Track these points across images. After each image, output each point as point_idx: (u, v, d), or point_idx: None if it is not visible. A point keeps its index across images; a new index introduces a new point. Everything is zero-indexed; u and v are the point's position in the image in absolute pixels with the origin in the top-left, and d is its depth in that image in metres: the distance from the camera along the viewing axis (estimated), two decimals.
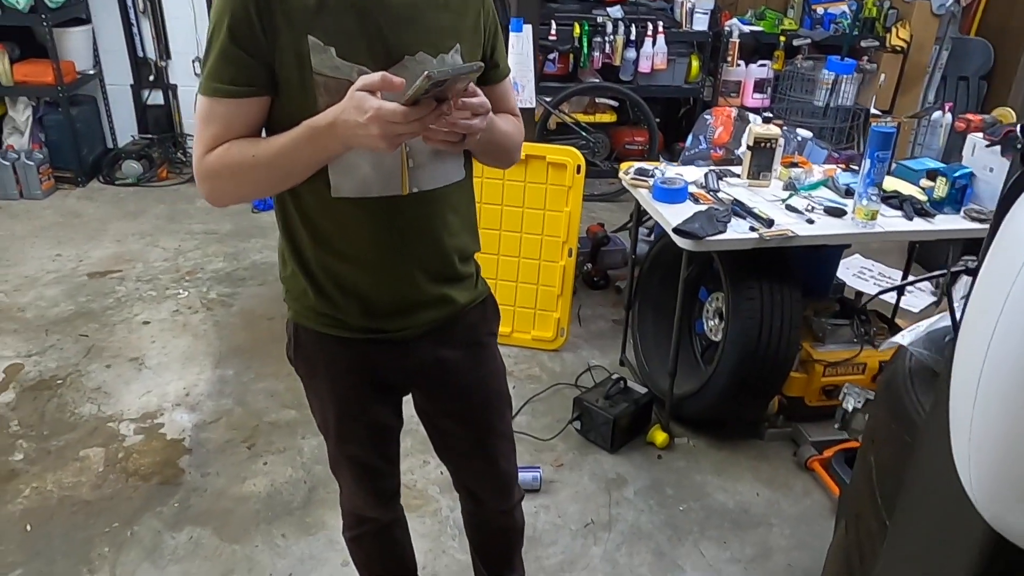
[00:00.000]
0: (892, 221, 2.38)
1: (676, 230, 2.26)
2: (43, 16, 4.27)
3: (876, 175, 2.32)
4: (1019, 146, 2.30)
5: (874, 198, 2.31)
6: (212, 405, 2.74)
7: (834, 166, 2.80)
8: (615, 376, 2.68)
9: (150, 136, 5.01)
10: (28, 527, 2.18)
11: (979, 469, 0.44)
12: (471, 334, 1.40)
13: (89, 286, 3.53)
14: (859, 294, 2.94)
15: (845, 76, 4.35)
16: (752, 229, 2.29)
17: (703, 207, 2.42)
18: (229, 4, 1.10)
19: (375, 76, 1.03)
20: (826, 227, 2.34)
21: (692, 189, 2.53)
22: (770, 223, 2.30)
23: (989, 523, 0.47)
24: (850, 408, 2.35)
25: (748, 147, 2.61)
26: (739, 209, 2.39)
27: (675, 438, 2.62)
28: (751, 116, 3.30)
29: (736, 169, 2.75)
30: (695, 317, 2.89)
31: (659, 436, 2.58)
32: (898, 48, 4.90)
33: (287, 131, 1.11)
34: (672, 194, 2.48)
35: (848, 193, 2.54)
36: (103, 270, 3.68)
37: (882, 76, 4.96)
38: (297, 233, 1.26)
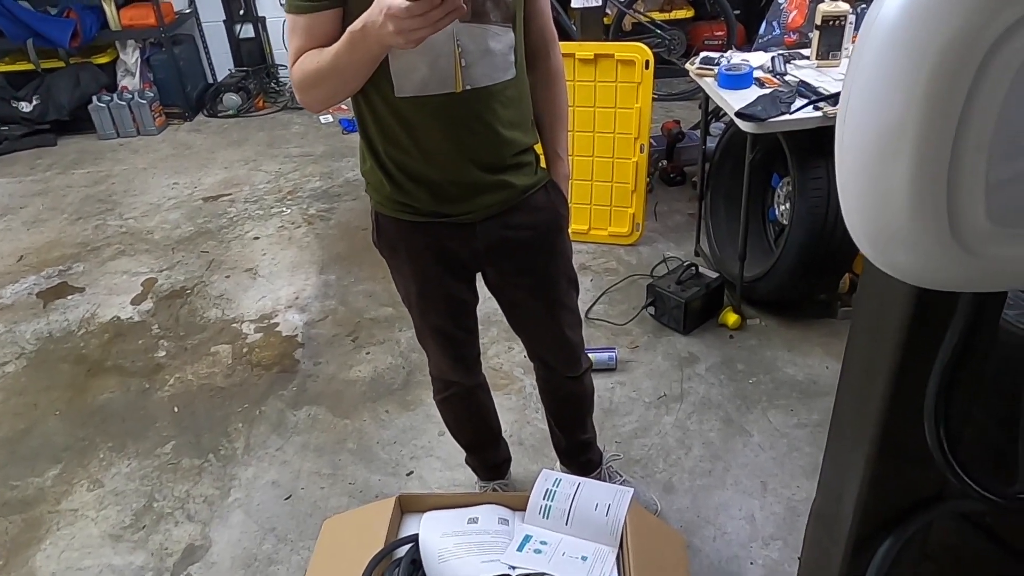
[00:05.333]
0: None
1: (739, 114, 2.32)
2: None
3: None
4: None
5: None
6: (319, 306, 3.05)
7: None
8: (686, 263, 2.80)
9: (245, 69, 5.31)
10: (176, 408, 2.57)
11: (853, 218, 0.57)
12: (536, 216, 1.54)
13: (205, 209, 3.90)
14: None
15: None
16: (816, 108, 2.31)
17: (768, 91, 2.45)
18: None
19: None
20: None
21: (758, 74, 2.56)
22: (835, 101, 2.31)
23: (884, 269, 0.60)
24: None
25: (816, 27, 2.59)
26: (804, 90, 2.41)
27: (747, 319, 2.74)
28: None
29: (806, 52, 2.74)
30: (768, 205, 2.94)
31: (731, 317, 2.70)
32: None
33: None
34: (737, 80, 2.51)
35: None
36: (215, 194, 4.05)
37: None
38: (370, 131, 1.44)
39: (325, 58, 1.27)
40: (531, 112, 1.52)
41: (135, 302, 3.17)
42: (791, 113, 2.30)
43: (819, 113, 2.29)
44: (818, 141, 2.38)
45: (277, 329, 2.93)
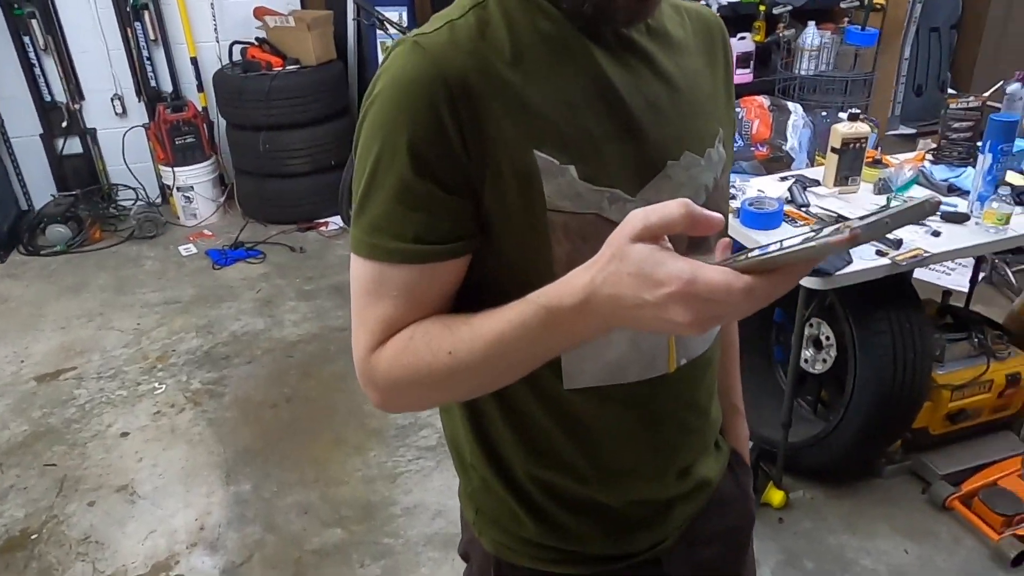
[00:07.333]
0: None
1: None
2: None
3: (999, 171, 2.02)
4: None
5: (1006, 199, 1.99)
6: (236, 538, 2.23)
7: (913, 154, 2.50)
8: None
9: (72, 192, 4.32)
10: None
11: None
12: (727, 515, 0.99)
13: (41, 394, 2.93)
14: (946, 293, 2.64)
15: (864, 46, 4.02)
16: (879, 253, 1.94)
17: (804, 229, 2.06)
18: (407, 108, 0.65)
19: (670, 211, 0.56)
20: (956, 239, 2.00)
21: (786, 207, 2.17)
22: (898, 244, 1.95)
23: None
24: None
25: (833, 149, 2.26)
26: None
27: (790, 493, 2.28)
28: (790, 105, 2.96)
29: (811, 174, 2.41)
30: (772, 343, 2.55)
31: (775, 496, 2.23)
32: (878, 5, 4.67)
33: (504, 308, 0.66)
34: (765, 219, 2.10)
35: (951, 190, 2.24)
36: (53, 370, 3.07)
37: None
38: (496, 436, 0.83)
39: (466, 346, 0.67)
40: None
41: None
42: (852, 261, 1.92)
43: (887, 261, 1.91)
44: (877, 290, 2.01)
45: None
